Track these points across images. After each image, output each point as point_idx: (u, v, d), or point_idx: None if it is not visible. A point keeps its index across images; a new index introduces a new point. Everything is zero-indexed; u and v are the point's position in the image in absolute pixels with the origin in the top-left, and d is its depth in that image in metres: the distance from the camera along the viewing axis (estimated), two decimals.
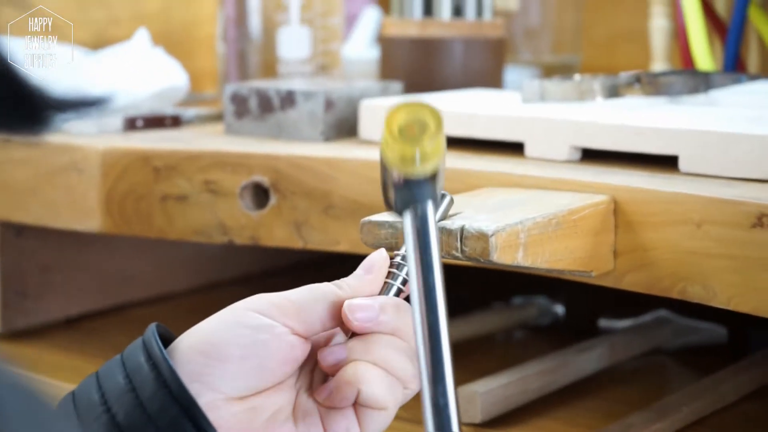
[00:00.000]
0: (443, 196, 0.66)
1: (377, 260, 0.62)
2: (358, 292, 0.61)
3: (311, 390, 0.61)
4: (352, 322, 0.59)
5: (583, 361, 0.96)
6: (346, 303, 0.60)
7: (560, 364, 0.94)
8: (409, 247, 0.55)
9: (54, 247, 1.11)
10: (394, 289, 0.62)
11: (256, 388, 0.58)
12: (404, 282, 0.62)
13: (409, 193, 0.55)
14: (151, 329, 0.59)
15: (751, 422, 0.88)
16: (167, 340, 0.60)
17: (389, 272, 0.62)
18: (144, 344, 0.59)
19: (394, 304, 0.60)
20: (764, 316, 0.71)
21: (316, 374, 0.61)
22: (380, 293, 0.62)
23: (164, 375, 0.56)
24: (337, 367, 0.59)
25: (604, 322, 1.10)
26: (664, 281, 0.75)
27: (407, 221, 0.55)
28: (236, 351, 0.57)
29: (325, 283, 0.61)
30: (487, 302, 1.14)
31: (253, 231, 0.92)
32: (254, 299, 0.60)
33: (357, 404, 0.60)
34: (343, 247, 0.89)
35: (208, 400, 0.57)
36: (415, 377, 0.59)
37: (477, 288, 1.16)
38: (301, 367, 0.61)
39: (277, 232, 0.92)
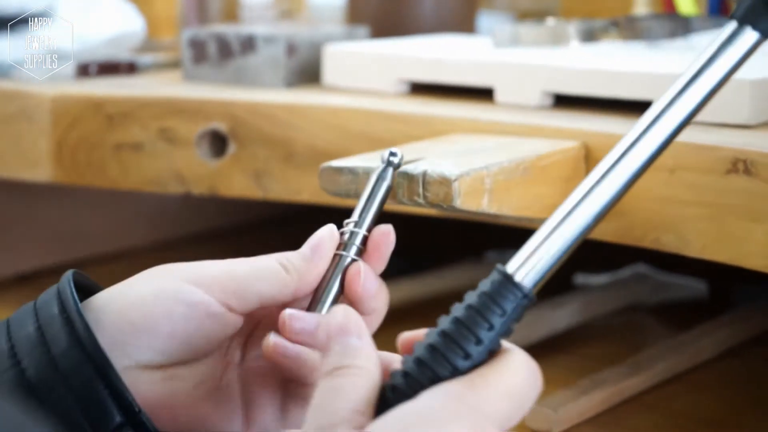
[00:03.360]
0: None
1: (324, 238, 0.60)
2: (304, 276, 0.59)
3: (241, 366, 0.60)
4: (287, 332, 0.58)
5: (556, 317, 0.97)
6: (285, 312, 0.58)
7: (532, 320, 0.95)
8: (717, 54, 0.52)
9: (2, 199, 1.11)
10: (347, 261, 0.60)
11: (177, 359, 0.57)
12: (359, 252, 0.61)
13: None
14: (67, 277, 0.57)
15: (729, 379, 0.90)
16: (86, 288, 0.58)
17: (340, 243, 0.61)
18: (59, 294, 0.56)
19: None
20: (737, 265, 0.72)
21: (250, 343, 0.61)
22: (331, 265, 0.61)
23: (78, 332, 0.54)
24: (302, 336, 0.58)
25: (580, 278, 1.11)
26: (636, 230, 0.76)
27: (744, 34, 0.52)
28: (167, 327, 0.56)
29: (273, 259, 0.59)
30: (459, 257, 1.14)
31: (211, 181, 0.93)
32: (196, 269, 0.58)
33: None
34: (304, 197, 0.90)
35: (124, 365, 0.55)
36: None
37: (448, 242, 1.17)
38: (232, 338, 0.60)
39: (236, 182, 0.92)
